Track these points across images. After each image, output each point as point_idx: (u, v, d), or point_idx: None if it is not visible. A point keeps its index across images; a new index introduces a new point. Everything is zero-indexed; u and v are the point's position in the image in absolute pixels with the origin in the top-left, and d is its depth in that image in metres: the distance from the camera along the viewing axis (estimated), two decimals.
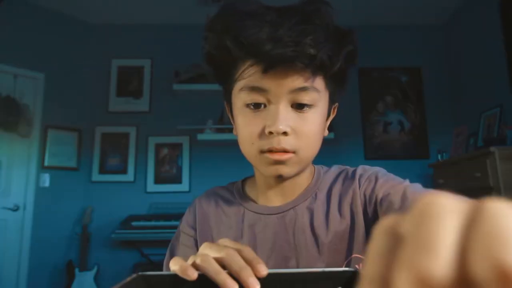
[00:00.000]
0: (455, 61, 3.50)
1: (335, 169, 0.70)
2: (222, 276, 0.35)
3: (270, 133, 0.55)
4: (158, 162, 3.37)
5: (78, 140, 3.32)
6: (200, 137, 3.20)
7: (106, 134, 3.39)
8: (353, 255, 0.61)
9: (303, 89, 0.55)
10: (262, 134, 0.56)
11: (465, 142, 2.97)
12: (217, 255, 0.38)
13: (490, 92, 2.96)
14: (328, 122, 0.65)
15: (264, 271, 0.36)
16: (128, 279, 0.31)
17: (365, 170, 0.65)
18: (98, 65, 3.49)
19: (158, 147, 3.40)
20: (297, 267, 0.62)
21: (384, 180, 0.61)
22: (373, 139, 3.48)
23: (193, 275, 0.35)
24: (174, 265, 0.37)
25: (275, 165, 0.57)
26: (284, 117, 0.55)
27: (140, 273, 0.33)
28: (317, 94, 0.56)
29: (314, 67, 0.53)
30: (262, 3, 0.57)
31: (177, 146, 3.40)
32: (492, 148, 2.27)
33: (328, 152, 3.33)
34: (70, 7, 3.29)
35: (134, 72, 3.51)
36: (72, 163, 3.27)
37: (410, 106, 3.53)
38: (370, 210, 0.60)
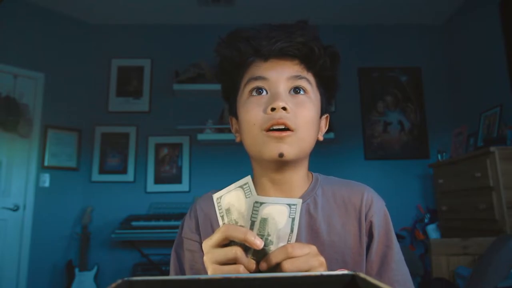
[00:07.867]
0: (455, 61, 3.50)
1: (334, 177, 0.77)
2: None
3: (272, 109, 0.62)
4: (158, 162, 3.37)
5: (78, 140, 3.32)
6: (200, 137, 3.20)
7: (106, 134, 3.39)
8: (339, 270, 0.65)
9: (298, 77, 0.66)
10: (264, 115, 0.64)
11: (465, 142, 2.97)
12: (218, 235, 0.47)
13: (490, 92, 2.96)
14: (322, 131, 0.73)
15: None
16: (113, 285, 0.32)
17: (374, 202, 0.71)
18: (98, 65, 3.49)
19: (158, 147, 3.39)
20: None
21: (382, 232, 0.69)
22: (373, 139, 3.47)
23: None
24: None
25: (277, 144, 0.63)
26: (283, 97, 0.64)
27: (125, 278, 0.33)
28: (309, 85, 0.67)
29: (305, 56, 0.66)
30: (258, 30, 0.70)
31: (177, 146, 3.40)
32: (492, 148, 2.27)
33: (328, 152, 3.35)
34: (70, 7, 3.29)
35: (134, 72, 3.51)
36: (72, 163, 3.27)
37: (410, 106, 3.53)
38: (364, 237, 0.68)
